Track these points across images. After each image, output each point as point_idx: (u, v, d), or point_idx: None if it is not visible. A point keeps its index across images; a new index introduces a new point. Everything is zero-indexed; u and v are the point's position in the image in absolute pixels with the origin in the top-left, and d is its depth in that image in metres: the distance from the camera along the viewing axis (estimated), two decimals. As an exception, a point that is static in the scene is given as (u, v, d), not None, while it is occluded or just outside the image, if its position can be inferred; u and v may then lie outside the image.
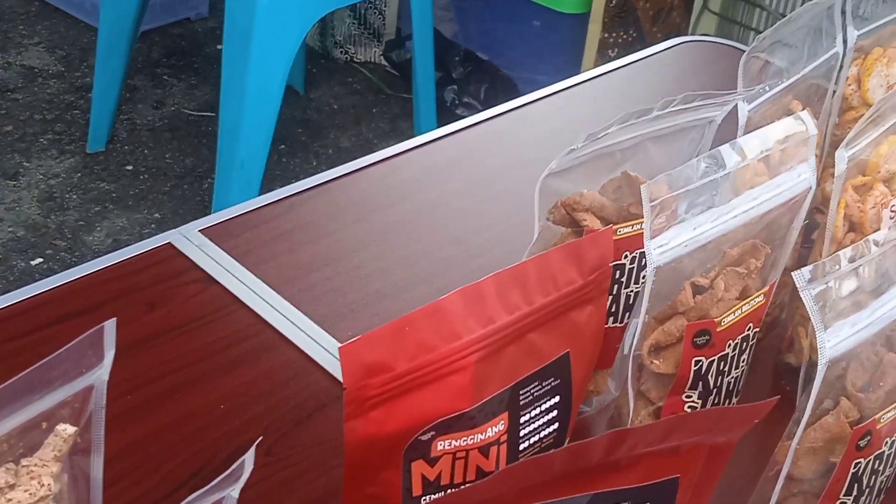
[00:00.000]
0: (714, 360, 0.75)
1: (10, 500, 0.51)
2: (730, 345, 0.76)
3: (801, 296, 0.64)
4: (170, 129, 2.81)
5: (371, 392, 0.61)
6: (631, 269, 0.81)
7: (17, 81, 2.89)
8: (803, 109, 0.86)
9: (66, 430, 0.54)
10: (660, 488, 0.58)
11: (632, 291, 0.82)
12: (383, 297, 1.00)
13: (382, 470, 0.64)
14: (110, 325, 0.55)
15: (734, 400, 0.81)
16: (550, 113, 1.32)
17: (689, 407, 0.76)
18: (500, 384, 0.65)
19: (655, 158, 0.81)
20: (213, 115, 2.80)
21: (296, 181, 1.15)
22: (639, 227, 0.79)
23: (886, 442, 0.70)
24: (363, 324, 0.96)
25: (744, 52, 0.90)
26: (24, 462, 0.53)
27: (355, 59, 3.15)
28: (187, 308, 0.96)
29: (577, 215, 0.79)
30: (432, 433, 0.63)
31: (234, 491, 0.52)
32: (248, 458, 0.51)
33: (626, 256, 0.80)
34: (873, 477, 0.71)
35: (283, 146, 2.78)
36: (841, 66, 0.94)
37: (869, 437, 0.68)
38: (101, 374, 0.55)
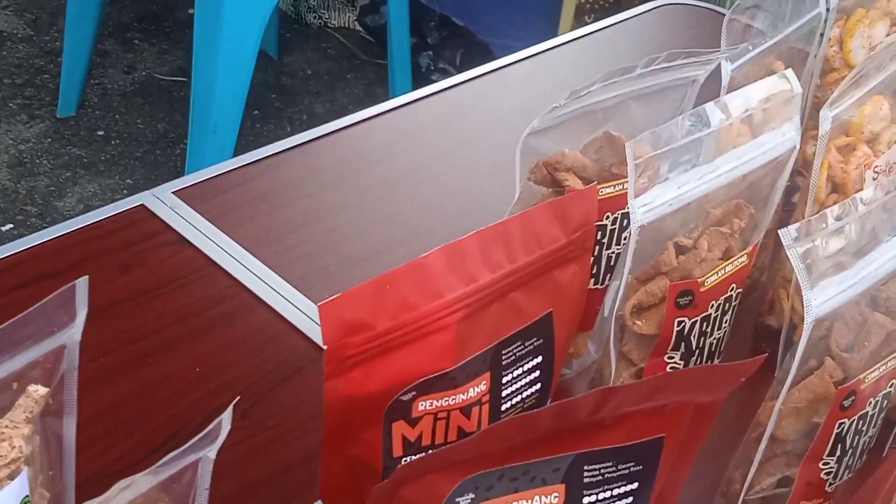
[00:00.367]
0: (697, 320, 0.74)
1: (-20, 461, 0.50)
2: (713, 305, 0.75)
3: (788, 254, 0.63)
4: (141, 94, 2.77)
5: (351, 351, 0.60)
6: (612, 230, 0.80)
7: (-15, 45, 2.86)
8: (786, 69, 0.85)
9: (38, 391, 0.53)
10: (645, 447, 0.58)
11: (613, 253, 0.81)
12: (360, 260, 0.99)
13: (363, 430, 0.63)
14: (82, 284, 0.53)
15: (716, 361, 0.80)
16: (527, 77, 1.31)
17: (671, 368, 0.76)
18: (482, 344, 0.64)
19: (637, 118, 0.80)
20: (186, 79, 2.76)
21: (270, 147, 1.14)
22: (620, 187, 0.78)
23: (870, 402, 0.70)
24: (340, 286, 0.93)
25: (722, 16, 0.89)
26: (-6, 423, 0.51)
27: (329, 25, 3.12)
28: (161, 270, 0.95)
29: (559, 175, 0.78)
30: (413, 393, 0.62)
31: (211, 452, 0.51)
32: (226, 418, 0.50)
33: (607, 217, 0.79)
34: (857, 437, 0.71)
35: (256, 112, 2.75)
36: (823, 29, 0.93)
37: (853, 398, 0.68)
38: (73, 333, 0.54)
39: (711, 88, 0.84)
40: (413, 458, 0.64)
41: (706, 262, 0.74)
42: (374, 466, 0.64)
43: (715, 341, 0.78)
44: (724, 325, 0.78)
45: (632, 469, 0.58)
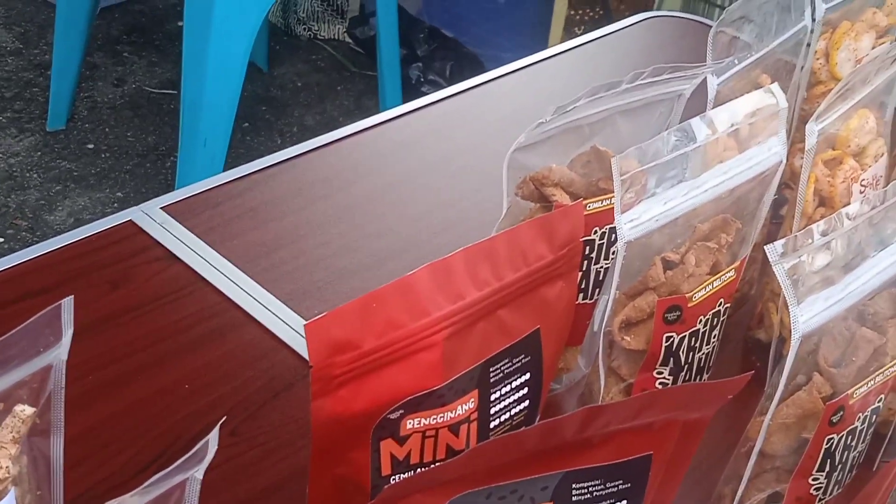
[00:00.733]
0: (685, 335, 0.75)
1: (-34, 483, 0.50)
2: (701, 320, 0.75)
3: (774, 270, 0.64)
4: (131, 107, 2.77)
5: (338, 370, 0.60)
6: (601, 245, 0.80)
7: (-26, 59, 2.85)
8: (772, 83, 0.85)
9: (25, 410, 0.53)
10: (633, 465, 0.58)
11: (601, 267, 0.81)
12: (349, 275, 0.99)
13: (351, 450, 0.62)
14: (68, 303, 0.53)
15: (705, 376, 0.80)
16: (517, 89, 1.31)
17: (660, 383, 0.76)
18: (469, 361, 0.64)
19: (624, 132, 0.80)
20: (175, 92, 2.76)
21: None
22: (608, 202, 0.78)
23: (859, 417, 0.70)
24: (329, 302, 0.95)
25: (710, 27, 0.89)
26: (-20, 444, 0.51)
27: (319, 37, 3.12)
28: (150, 286, 0.95)
29: (546, 190, 0.78)
30: (401, 411, 0.62)
31: (198, 472, 0.51)
32: (212, 439, 0.50)
33: (595, 232, 0.79)
34: (846, 452, 0.71)
35: (246, 124, 2.75)
36: (809, 41, 0.93)
37: (842, 413, 0.68)
38: (59, 353, 0.54)
39: (698, 101, 0.84)
40: (401, 476, 0.64)
41: (694, 278, 0.74)
42: (362, 485, 0.64)
43: (704, 356, 0.78)
44: (712, 339, 0.78)
45: (620, 487, 0.58)
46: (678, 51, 1.41)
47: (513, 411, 0.69)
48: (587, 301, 0.82)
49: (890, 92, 0.87)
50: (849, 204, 0.83)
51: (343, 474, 0.64)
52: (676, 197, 0.72)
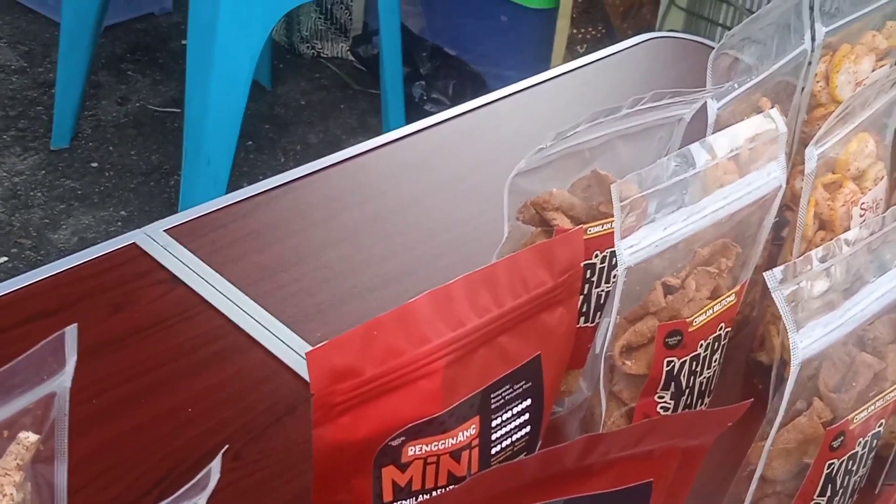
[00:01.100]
0: (686, 360, 0.75)
1: (-30, 512, 0.50)
2: (702, 345, 0.75)
3: (773, 296, 0.64)
4: (135, 126, 2.78)
5: (339, 398, 0.60)
6: (602, 269, 0.81)
7: (-22, 78, 2.87)
8: (772, 107, 0.86)
9: (29, 438, 0.53)
10: (633, 492, 0.58)
11: (603, 291, 0.82)
12: (352, 297, 0.99)
13: (352, 477, 0.63)
14: (71, 331, 0.54)
15: (707, 400, 0.80)
16: (519, 110, 1.32)
17: (661, 408, 0.76)
18: (470, 388, 0.64)
19: (624, 157, 0.81)
20: (179, 111, 2.77)
21: (263, 178, 1.14)
22: (609, 226, 0.79)
23: (860, 442, 0.70)
24: (332, 325, 0.96)
25: (712, 48, 0.90)
26: (-15, 472, 0.52)
27: (322, 55, 3.14)
28: (153, 309, 0.95)
29: (547, 214, 0.79)
30: (402, 438, 0.62)
31: (201, 500, 0.51)
32: (215, 467, 0.50)
33: (596, 256, 0.80)
34: (847, 477, 0.71)
35: (250, 142, 2.76)
36: (809, 63, 0.94)
37: (842, 438, 0.68)
38: (62, 380, 0.54)
39: (699, 124, 0.85)
40: (403, 503, 0.64)
41: (694, 302, 0.74)
42: (363, 511, 0.64)
43: (705, 380, 0.78)
44: (713, 363, 0.78)
45: (621, 513, 0.58)
46: (680, 72, 1.41)
47: (514, 437, 0.69)
48: (589, 324, 0.82)
49: (890, 115, 0.88)
50: (849, 227, 0.84)
51: (345, 501, 0.64)
52: (676, 222, 0.72)
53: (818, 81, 0.96)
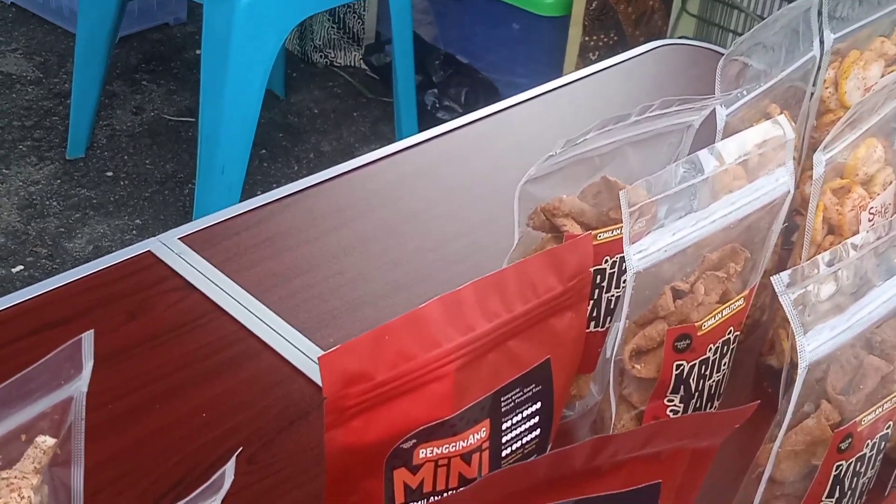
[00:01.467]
0: (695, 363, 0.75)
1: (-11, 513, 0.51)
2: (711, 349, 0.76)
3: (780, 300, 0.64)
4: (150, 135, 2.80)
5: (351, 401, 0.61)
6: (612, 274, 0.81)
7: (-5, 88, 2.89)
8: (781, 113, 0.86)
9: (46, 441, 0.54)
10: (642, 493, 0.58)
11: (613, 296, 0.82)
12: (364, 304, 1.00)
13: (364, 479, 0.64)
14: (88, 337, 0.55)
15: (716, 403, 0.81)
16: (531, 117, 1.32)
17: (671, 411, 0.76)
18: (481, 392, 0.65)
19: (634, 163, 0.81)
20: (193, 120, 2.79)
21: (277, 186, 1.15)
22: (619, 231, 0.79)
23: (867, 444, 0.70)
24: (345, 330, 0.96)
25: (722, 55, 0.90)
26: (3, 474, 0.53)
27: (335, 64, 3.15)
28: (168, 316, 0.96)
29: (557, 221, 0.79)
30: (414, 441, 0.63)
31: (215, 502, 0.52)
32: (229, 470, 0.51)
33: (606, 261, 0.80)
34: (855, 479, 0.71)
35: (263, 151, 2.77)
36: (818, 69, 0.94)
37: (850, 440, 0.68)
38: (79, 385, 0.55)
39: (708, 130, 0.85)
40: (414, 505, 0.65)
41: (703, 306, 0.74)
42: (376, 514, 0.65)
43: (714, 383, 0.79)
44: (722, 367, 0.79)
45: (630, 514, 0.59)
46: (690, 78, 1.42)
47: (524, 440, 0.70)
48: (599, 329, 0.83)
49: (898, 120, 0.88)
50: (857, 232, 0.84)
51: (357, 503, 0.65)
52: (685, 227, 0.73)
53: (827, 87, 0.96)
